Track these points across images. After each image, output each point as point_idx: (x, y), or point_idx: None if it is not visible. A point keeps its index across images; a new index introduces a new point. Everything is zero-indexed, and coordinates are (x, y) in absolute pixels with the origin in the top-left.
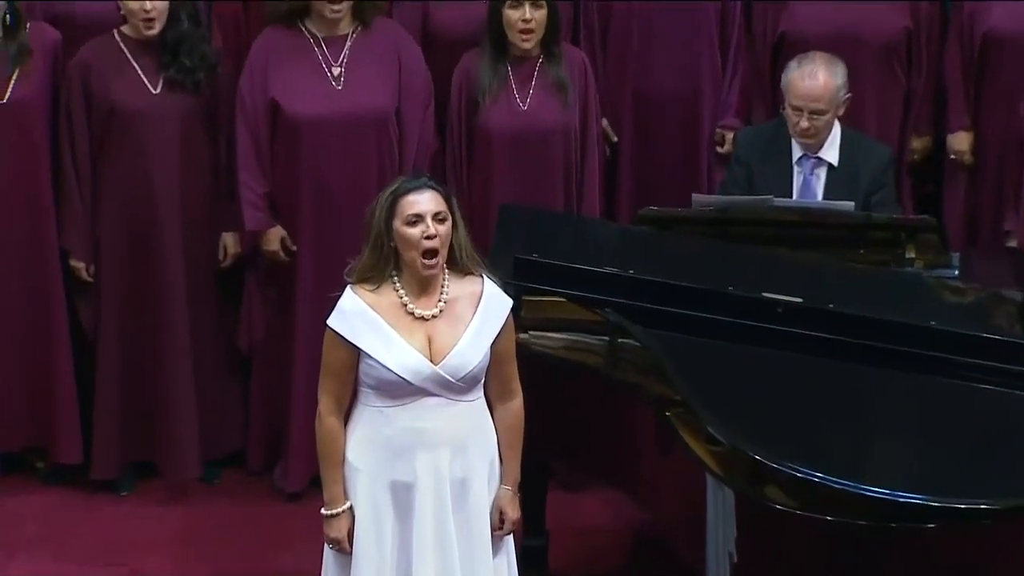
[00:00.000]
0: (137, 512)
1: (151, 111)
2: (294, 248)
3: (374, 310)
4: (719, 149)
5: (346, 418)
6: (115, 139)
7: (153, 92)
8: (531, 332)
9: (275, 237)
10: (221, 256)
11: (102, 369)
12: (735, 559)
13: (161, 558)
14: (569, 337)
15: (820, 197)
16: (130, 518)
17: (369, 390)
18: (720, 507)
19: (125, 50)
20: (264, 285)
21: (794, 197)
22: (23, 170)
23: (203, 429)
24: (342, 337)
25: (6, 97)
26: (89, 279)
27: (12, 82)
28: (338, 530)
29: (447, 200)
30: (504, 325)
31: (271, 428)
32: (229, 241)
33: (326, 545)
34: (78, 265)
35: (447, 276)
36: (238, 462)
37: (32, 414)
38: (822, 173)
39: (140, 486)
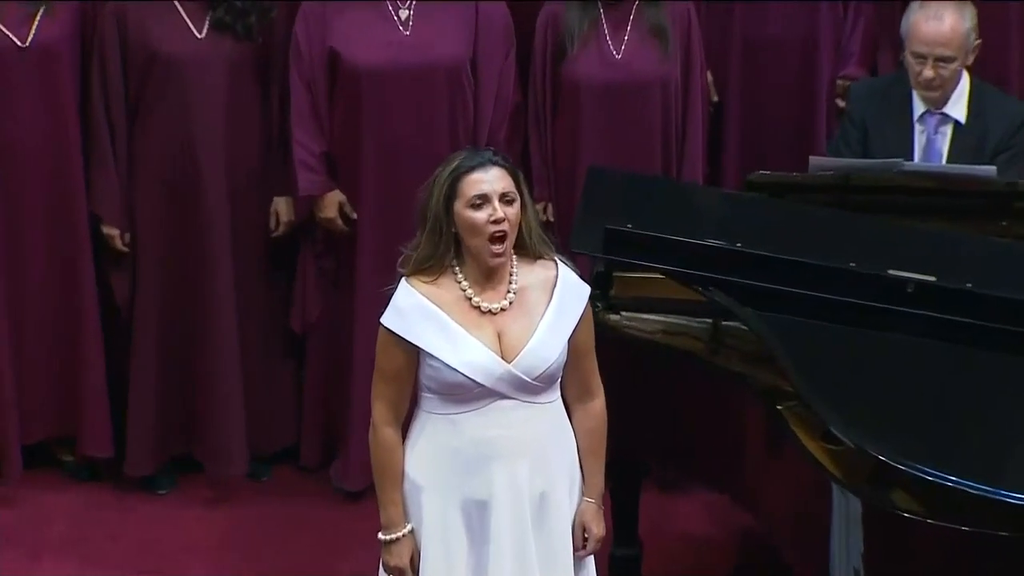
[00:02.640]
0: (176, 513)
1: (195, 58)
2: (354, 216)
3: (434, 304)
4: (840, 103)
5: (404, 428)
6: (154, 90)
7: (198, 37)
8: (623, 313)
9: (332, 203)
10: (272, 224)
11: (138, 351)
12: (862, 574)
13: (203, 565)
14: (666, 319)
15: (945, 159)
16: (169, 520)
17: (432, 395)
18: (845, 516)
19: None
20: (321, 257)
21: (915, 159)
22: (48, 125)
23: (251, 420)
24: (399, 337)
25: (28, 40)
26: (123, 249)
27: (36, 22)
28: (399, 557)
29: (515, 177)
30: (582, 315)
31: (328, 419)
32: (282, 207)
33: (382, 572)
34: (111, 233)
35: (515, 263)
36: (290, 457)
37: (57, 400)
38: (947, 131)
39: (180, 484)
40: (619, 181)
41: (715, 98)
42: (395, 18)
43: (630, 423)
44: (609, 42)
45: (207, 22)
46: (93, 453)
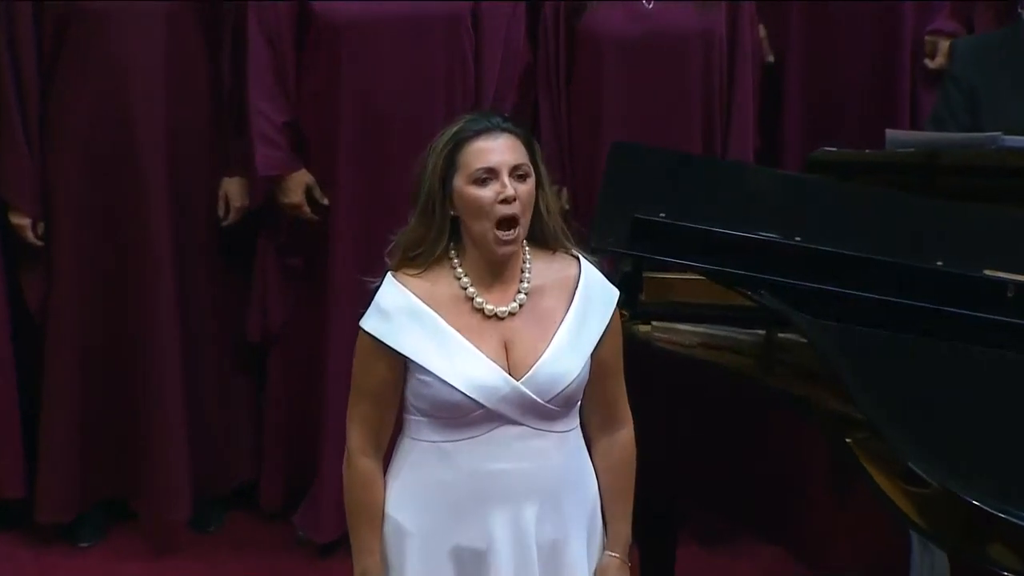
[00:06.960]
0: (105, 569)
1: (125, 12)
2: (325, 201)
3: (426, 304)
4: (928, 63)
5: (386, 459)
6: (74, 51)
7: None
8: (655, 323)
9: (298, 185)
10: (221, 211)
11: (53, 368)
12: None
13: None
14: (707, 330)
15: None
16: None
17: (420, 418)
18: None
19: None
20: (285, 252)
21: None
22: None
23: (197, 454)
24: (382, 343)
25: None
26: (36, 241)
27: None
28: None
29: (529, 148)
30: (609, 326)
31: (294, 453)
32: (232, 190)
33: None
34: (21, 223)
35: (528, 256)
36: (247, 500)
37: None
38: None
39: (110, 534)
40: (650, 159)
41: (770, 57)
42: None
43: (663, 458)
44: None
45: None
46: (5, 494)
